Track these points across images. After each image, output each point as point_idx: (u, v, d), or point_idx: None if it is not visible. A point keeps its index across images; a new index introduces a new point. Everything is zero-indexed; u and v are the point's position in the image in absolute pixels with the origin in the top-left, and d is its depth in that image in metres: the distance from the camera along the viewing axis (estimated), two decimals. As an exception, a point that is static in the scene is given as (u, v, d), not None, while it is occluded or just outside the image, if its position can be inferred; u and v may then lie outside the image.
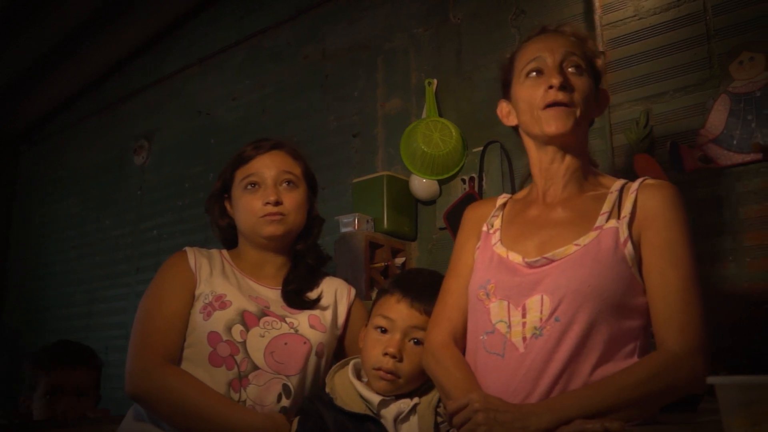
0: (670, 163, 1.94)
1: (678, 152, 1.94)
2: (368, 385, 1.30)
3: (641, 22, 2.08)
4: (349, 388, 1.29)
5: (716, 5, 1.95)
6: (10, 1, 3.23)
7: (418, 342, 1.29)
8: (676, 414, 1.35)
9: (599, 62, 1.31)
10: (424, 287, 1.33)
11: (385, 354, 1.27)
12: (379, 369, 1.27)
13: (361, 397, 1.28)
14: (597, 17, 2.16)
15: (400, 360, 1.27)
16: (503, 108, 1.34)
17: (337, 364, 1.39)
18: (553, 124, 1.20)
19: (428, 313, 1.31)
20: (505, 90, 1.34)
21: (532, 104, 1.23)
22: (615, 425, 0.99)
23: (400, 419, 1.25)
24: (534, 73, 1.24)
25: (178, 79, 3.66)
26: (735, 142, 1.85)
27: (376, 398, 1.26)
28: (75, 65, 3.85)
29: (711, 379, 0.74)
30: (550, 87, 1.20)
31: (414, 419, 1.26)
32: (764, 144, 1.79)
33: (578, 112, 1.21)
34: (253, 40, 3.31)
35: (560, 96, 1.19)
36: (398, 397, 1.28)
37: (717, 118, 1.88)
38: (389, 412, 1.26)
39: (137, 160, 3.76)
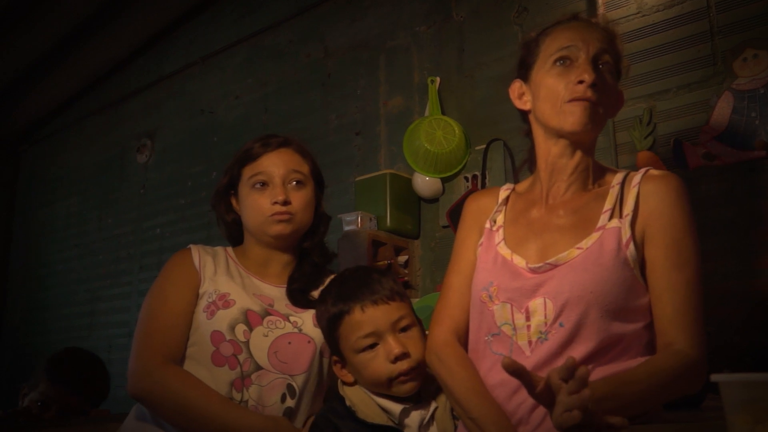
0: (674, 161, 1.94)
1: (681, 149, 1.93)
2: (385, 396, 1.26)
3: (644, 19, 2.08)
4: (368, 401, 1.25)
5: (720, 2, 1.94)
6: (10, 0, 3.23)
7: (405, 329, 1.26)
8: (680, 412, 1.35)
9: (624, 63, 1.25)
10: (366, 283, 1.28)
11: (395, 360, 1.22)
12: (399, 376, 1.22)
13: (382, 408, 1.24)
14: (600, 14, 2.15)
15: (408, 354, 1.23)
16: (517, 88, 1.26)
17: None
18: (573, 119, 1.14)
19: (392, 305, 1.26)
20: (523, 70, 1.25)
21: (557, 95, 1.15)
22: (617, 420, 0.97)
23: (423, 426, 1.23)
24: (563, 62, 1.16)
25: (180, 78, 3.66)
26: (739, 139, 1.84)
27: (397, 408, 1.23)
28: (75, 64, 3.85)
29: (715, 377, 0.74)
30: (580, 82, 1.13)
31: (433, 428, 1.24)
32: (768, 141, 1.78)
33: (601, 111, 1.16)
34: (253, 38, 3.31)
35: (589, 93, 1.13)
36: (417, 404, 1.26)
37: (721, 116, 1.88)
38: (413, 421, 1.23)
39: (140, 159, 3.76)
